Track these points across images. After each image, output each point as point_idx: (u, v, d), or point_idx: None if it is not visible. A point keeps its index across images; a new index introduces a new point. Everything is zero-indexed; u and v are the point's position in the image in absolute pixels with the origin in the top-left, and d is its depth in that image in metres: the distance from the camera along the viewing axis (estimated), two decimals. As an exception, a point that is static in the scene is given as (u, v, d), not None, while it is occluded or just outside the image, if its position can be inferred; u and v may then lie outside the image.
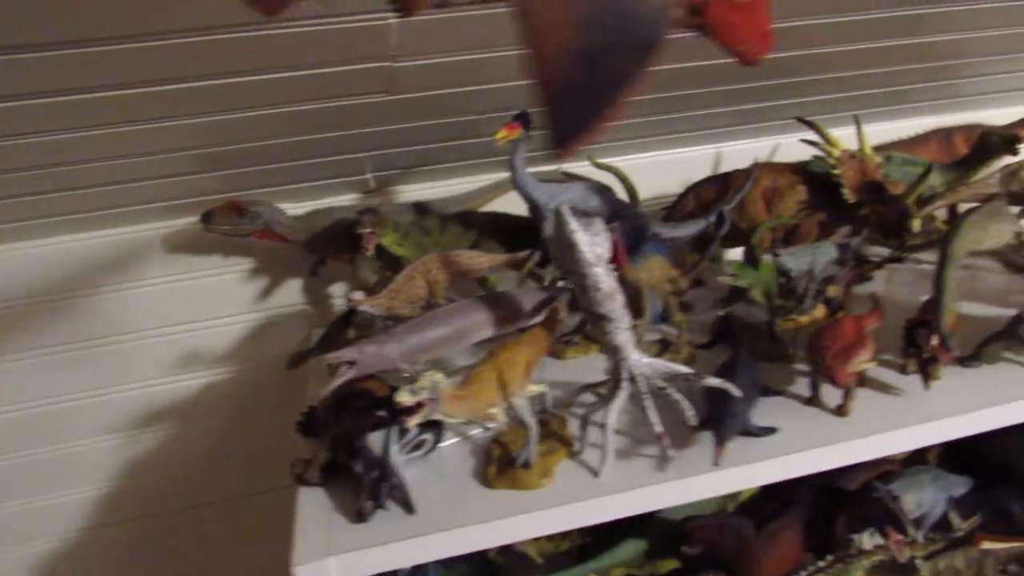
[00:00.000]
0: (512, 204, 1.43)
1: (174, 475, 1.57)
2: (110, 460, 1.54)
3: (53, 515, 1.56)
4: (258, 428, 1.57)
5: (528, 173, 1.23)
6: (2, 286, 1.41)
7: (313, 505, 0.98)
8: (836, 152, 1.38)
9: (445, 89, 1.15)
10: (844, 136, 1.40)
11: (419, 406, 0.90)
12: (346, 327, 1.27)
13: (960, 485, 1.51)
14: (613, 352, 1.01)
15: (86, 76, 0.96)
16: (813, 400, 1.10)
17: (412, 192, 1.49)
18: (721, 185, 1.47)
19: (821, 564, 1.33)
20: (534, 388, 1.05)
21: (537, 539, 1.46)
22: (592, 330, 1.01)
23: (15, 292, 1.42)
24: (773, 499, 1.55)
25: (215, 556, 1.65)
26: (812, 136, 1.43)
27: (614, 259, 1.09)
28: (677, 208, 1.50)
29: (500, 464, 1.00)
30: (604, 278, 0.97)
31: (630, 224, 1.30)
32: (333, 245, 1.36)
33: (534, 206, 1.24)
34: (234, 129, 1.19)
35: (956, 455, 1.71)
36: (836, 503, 1.46)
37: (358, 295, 1.12)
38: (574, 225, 0.96)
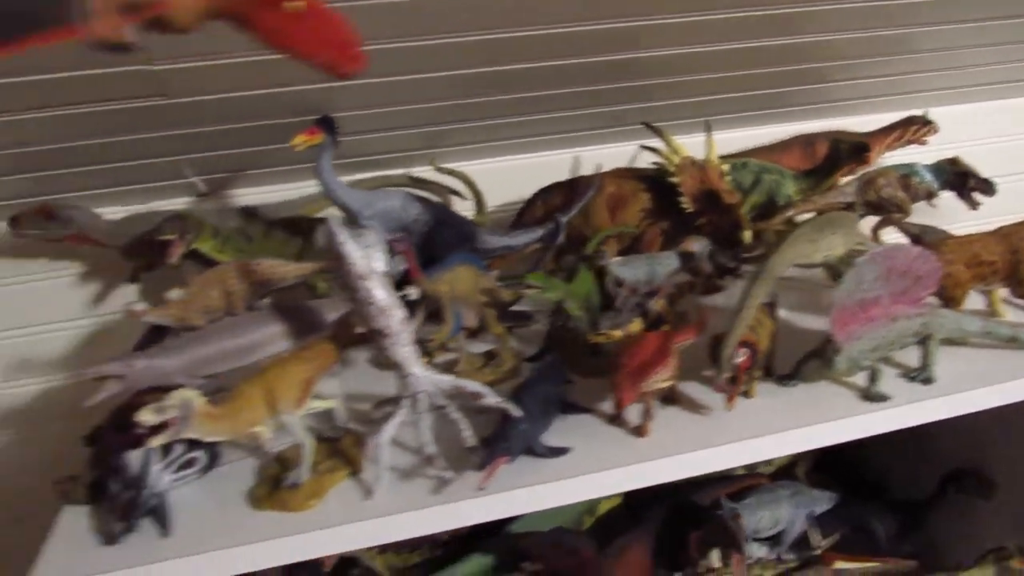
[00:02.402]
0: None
1: (11, 484, 1.51)
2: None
3: None
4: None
5: (338, 180, 1.19)
6: None
7: (73, 526, 0.93)
8: (676, 159, 1.35)
9: (222, 93, 1.10)
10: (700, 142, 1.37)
11: (165, 425, 0.86)
12: (162, 337, 1.21)
13: (823, 501, 1.49)
14: (396, 368, 0.97)
15: None
16: (616, 419, 1.06)
17: (247, 196, 1.44)
18: (568, 191, 1.44)
19: (667, 583, 1.29)
20: (320, 404, 1.01)
21: (383, 552, 1.43)
22: (374, 345, 0.97)
23: None
24: (634, 512, 1.53)
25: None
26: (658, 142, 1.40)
27: (408, 271, 1.05)
28: (526, 215, 1.46)
29: (270, 484, 0.96)
30: (377, 292, 0.93)
31: (455, 233, 1.27)
32: (152, 251, 1.31)
33: (349, 214, 1.20)
34: (47, 129, 1.13)
35: (830, 469, 1.69)
36: (690, 520, 1.43)
37: (139, 307, 1.07)
38: (342, 237, 0.92)
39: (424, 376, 0.97)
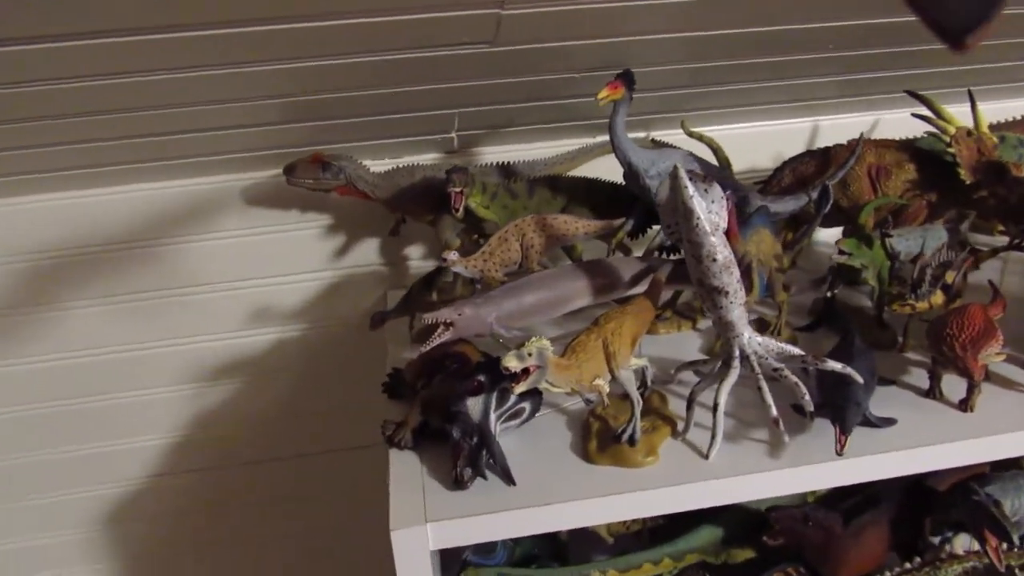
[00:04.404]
0: (597, 170, 1.37)
1: (242, 430, 1.55)
2: (178, 411, 1.53)
3: (118, 461, 1.55)
4: (327, 388, 1.55)
5: (628, 137, 1.17)
6: (81, 232, 1.38)
7: (405, 469, 0.94)
8: (952, 129, 1.30)
9: (550, 43, 1.08)
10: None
11: (525, 372, 0.85)
12: (429, 289, 1.22)
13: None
14: (725, 328, 0.95)
15: (170, 16, 0.90)
16: (932, 392, 1.03)
17: (493, 154, 1.44)
18: (821, 160, 1.39)
19: (908, 566, 1.26)
20: (636, 362, 1.00)
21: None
22: (703, 304, 0.95)
23: (93, 238, 1.39)
24: (853, 494, 1.49)
25: (277, 512, 1.64)
26: (923, 111, 1.35)
27: (727, 229, 1.03)
28: (772, 182, 1.42)
29: (601, 439, 0.96)
30: (721, 248, 0.91)
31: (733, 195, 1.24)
32: (416, 204, 1.31)
33: (632, 172, 1.19)
34: (326, 77, 1.13)
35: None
36: (924, 503, 1.39)
37: (452, 255, 1.07)
38: (691, 190, 0.90)
39: (753, 338, 0.95)
